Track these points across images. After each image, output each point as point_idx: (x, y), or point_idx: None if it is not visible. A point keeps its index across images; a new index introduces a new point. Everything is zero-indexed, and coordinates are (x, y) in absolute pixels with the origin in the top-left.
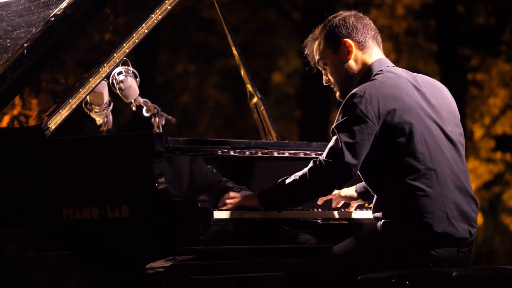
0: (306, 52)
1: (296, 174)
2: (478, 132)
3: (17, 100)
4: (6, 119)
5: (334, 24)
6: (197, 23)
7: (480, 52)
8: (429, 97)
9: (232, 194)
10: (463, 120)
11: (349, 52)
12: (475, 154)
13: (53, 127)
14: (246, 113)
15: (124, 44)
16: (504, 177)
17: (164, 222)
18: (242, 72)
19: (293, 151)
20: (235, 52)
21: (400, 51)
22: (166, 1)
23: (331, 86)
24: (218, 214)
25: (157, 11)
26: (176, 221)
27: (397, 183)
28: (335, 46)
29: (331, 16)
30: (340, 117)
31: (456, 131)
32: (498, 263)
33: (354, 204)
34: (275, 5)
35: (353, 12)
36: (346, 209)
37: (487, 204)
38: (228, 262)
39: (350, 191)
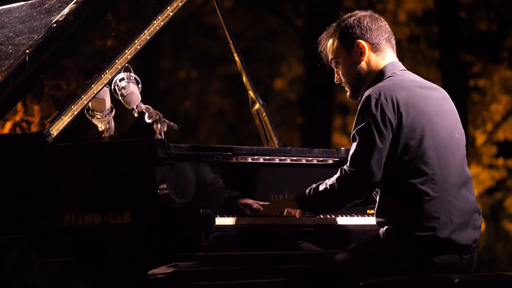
0: (319, 49)
1: (327, 182)
2: (480, 138)
3: (19, 106)
4: (8, 125)
5: (348, 24)
6: (199, 29)
7: (482, 58)
8: (440, 103)
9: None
10: (465, 126)
11: (362, 54)
12: (477, 160)
13: (55, 133)
14: (248, 120)
15: (126, 50)
16: (506, 183)
17: (166, 228)
18: (244, 78)
19: (295, 158)
20: (237, 58)
21: (402, 57)
22: (168, 7)
23: (342, 85)
24: (220, 221)
25: (159, 17)
26: (178, 227)
27: (404, 186)
28: (348, 47)
29: (346, 15)
30: (359, 122)
31: (462, 138)
32: (499, 269)
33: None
34: (277, 11)
35: (368, 13)
36: (349, 215)
37: (489, 210)
38: (230, 268)
39: None
